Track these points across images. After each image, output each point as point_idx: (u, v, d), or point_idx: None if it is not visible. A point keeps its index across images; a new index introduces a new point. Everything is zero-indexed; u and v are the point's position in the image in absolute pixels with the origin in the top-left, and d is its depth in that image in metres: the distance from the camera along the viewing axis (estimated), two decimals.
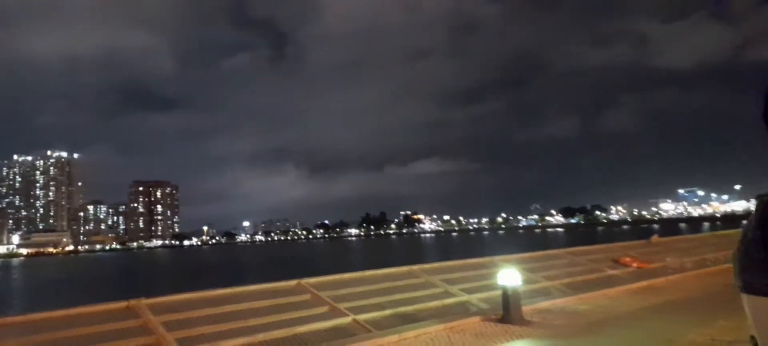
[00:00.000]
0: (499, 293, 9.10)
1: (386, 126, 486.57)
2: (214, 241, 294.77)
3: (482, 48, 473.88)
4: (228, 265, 78.25)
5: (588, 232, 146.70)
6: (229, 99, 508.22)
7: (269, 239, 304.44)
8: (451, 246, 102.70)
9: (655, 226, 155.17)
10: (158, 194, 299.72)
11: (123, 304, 7.84)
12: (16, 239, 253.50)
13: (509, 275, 8.76)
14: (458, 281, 11.29)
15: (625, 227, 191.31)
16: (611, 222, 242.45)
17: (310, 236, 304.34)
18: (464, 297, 10.52)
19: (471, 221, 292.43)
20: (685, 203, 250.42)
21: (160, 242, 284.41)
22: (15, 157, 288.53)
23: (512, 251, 16.67)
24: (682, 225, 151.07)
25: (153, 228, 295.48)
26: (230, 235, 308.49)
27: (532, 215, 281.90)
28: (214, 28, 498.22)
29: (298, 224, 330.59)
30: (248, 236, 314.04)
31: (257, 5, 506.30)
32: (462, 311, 9.84)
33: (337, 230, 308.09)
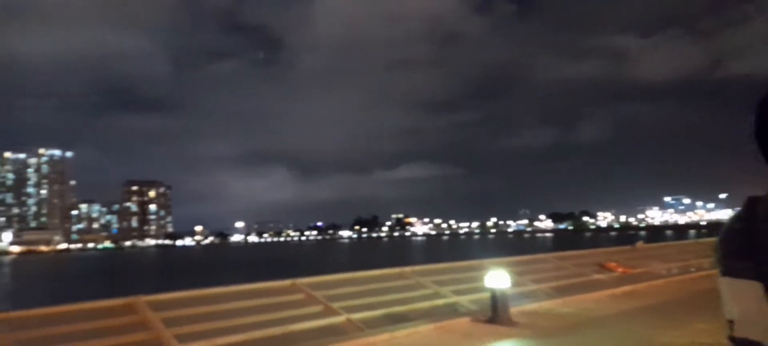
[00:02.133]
0: (487, 295, 9.39)
1: (374, 131, 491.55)
2: (207, 241, 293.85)
3: (463, 59, 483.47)
4: (221, 264, 78.17)
5: (575, 237, 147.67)
6: (220, 102, 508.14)
7: (262, 239, 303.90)
8: (442, 249, 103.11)
9: (642, 232, 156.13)
10: (152, 193, 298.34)
11: (123, 301, 8.08)
12: (7, 236, 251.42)
13: (497, 278, 9.07)
14: (448, 283, 11.60)
15: (612, 233, 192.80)
16: (598, 228, 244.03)
17: (303, 238, 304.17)
18: (453, 299, 10.82)
19: (462, 224, 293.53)
20: (672, 211, 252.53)
21: (153, 242, 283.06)
22: (7, 154, 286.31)
23: (501, 255, 17.02)
24: (669, 232, 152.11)
25: (146, 227, 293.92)
26: (223, 235, 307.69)
27: (521, 219, 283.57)
28: (205, 32, 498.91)
29: (291, 225, 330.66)
30: (241, 236, 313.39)
31: (249, 11, 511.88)
32: (451, 312, 10.14)
33: (330, 231, 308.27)
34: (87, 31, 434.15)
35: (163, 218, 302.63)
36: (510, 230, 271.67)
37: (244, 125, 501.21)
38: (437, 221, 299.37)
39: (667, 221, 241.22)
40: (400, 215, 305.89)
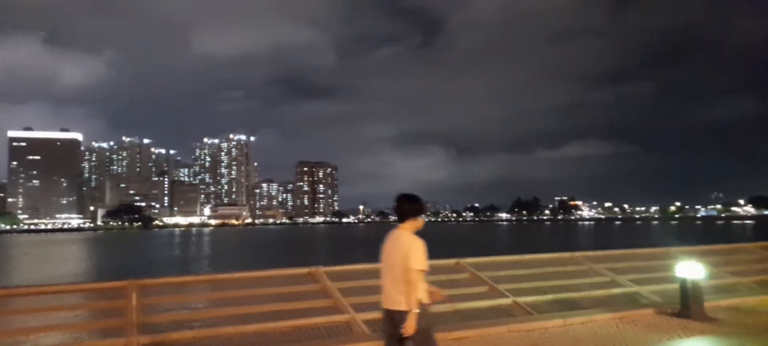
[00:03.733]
0: (674, 286, 8.43)
1: (533, 108, 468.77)
2: (368, 219, 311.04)
3: (637, 25, 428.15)
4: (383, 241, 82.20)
5: None
6: (380, 85, 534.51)
7: None
8: (614, 235, 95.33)
9: None
10: (320, 173, 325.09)
11: (305, 270, 8.83)
12: (207, 211, 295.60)
13: (689, 267, 8.05)
14: (626, 271, 10.63)
15: None
16: None
17: (460, 219, 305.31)
18: (633, 288, 9.90)
19: (637, 209, 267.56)
20: None
21: (321, 219, 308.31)
22: (205, 140, 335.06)
23: (689, 243, 15.11)
24: None
25: (316, 205, 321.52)
26: (383, 214, 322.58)
27: (712, 204, 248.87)
28: (369, 20, 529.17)
29: (447, 206, 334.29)
30: None
31: None
32: (631, 302, 9.30)
33: (487, 213, 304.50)
34: (269, 29, 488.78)
35: (330, 196, 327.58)
36: (698, 215, 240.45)
37: (403, 107, 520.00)
38: (607, 204, 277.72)
39: None
40: (564, 197, 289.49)
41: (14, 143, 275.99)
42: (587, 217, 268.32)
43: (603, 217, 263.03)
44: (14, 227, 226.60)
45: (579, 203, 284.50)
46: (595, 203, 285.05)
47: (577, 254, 11.55)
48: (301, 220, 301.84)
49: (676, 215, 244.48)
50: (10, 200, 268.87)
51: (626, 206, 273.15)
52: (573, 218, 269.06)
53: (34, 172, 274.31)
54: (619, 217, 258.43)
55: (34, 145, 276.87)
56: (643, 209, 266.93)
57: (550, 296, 9.10)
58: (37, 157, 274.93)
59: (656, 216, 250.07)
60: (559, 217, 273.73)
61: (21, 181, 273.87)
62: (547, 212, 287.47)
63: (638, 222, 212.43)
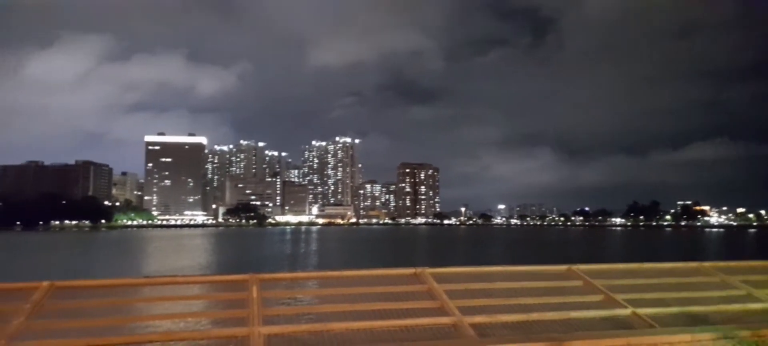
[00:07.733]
0: None
1: (650, 108, 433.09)
2: (470, 222, 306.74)
3: None
4: (488, 244, 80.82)
5: None
6: (488, 88, 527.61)
7: (524, 222, 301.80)
8: (748, 244, 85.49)
9: None
10: (422, 175, 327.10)
11: (410, 271, 8.89)
12: (315, 210, 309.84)
13: None
14: (766, 285, 9.47)
15: None
16: None
17: (568, 223, 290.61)
18: None
19: None
20: None
21: (423, 220, 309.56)
22: (313, 143, 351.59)
23: None
24: None
25: (417, 206, 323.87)
26: (486, 216, 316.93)
27: None
28: (478, 22, 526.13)
29: (554, 209, 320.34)
30: (503, 218, 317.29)
31: None
32: None
33: (599, 218, 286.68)
34: (380, 37, 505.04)
35: (431, 198, 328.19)
36: None
37: (510, 110, 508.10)
38: (740, 209, 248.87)
39: None
40: (688, 202, 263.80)
41: (150, 147, 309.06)
42: (715, 224, 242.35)
43: (734, 224, 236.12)
44: (150, 222, 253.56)
45: (706, 208, 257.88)
46: (725, 208, 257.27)
47: (706, 264, 10.50)
48: (403, 220, 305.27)
49: None
50: (146, 197, 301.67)
51: (763, 212, 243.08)
52: (698, 224, 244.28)
53: (166, 173, 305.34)
54: (755, 224, 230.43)
55: (166, 148, 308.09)
56: None
57: (674, 309, 8.37)
58: (169, 160, 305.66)
59: None
60: (682, 223, 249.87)
61: (155, 181, 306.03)
62: (667, 217, 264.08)
63: None
